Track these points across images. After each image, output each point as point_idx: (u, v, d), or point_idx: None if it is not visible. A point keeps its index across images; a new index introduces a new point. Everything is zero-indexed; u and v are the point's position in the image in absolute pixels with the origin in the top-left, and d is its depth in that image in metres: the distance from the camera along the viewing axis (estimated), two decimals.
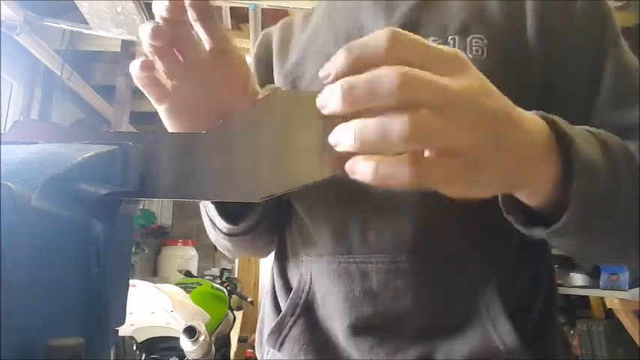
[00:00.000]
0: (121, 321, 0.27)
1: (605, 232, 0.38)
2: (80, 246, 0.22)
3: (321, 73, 0.27)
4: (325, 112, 0.27)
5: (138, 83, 0.41)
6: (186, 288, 2.79)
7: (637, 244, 0.39)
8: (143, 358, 2.28)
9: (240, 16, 3.36)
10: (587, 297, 2.76)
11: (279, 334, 0.55)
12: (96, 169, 0.25)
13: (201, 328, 2.12)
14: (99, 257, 0.23)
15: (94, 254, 0.23)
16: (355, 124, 0.26)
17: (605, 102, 0.47)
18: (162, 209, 4.66)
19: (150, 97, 0.42)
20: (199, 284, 2.99)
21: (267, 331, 0.57)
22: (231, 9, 3.21)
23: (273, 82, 0.63)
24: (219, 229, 0.56)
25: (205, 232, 0.63)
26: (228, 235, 0.56)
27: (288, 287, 0.59)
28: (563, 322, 3.02)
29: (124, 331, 2.14)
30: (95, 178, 0.24)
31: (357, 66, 0.26)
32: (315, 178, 0.29)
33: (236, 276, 4.25)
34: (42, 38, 2.83)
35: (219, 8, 3.21)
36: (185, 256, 4.54)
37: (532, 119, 0.32)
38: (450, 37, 0.51)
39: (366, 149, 0.26)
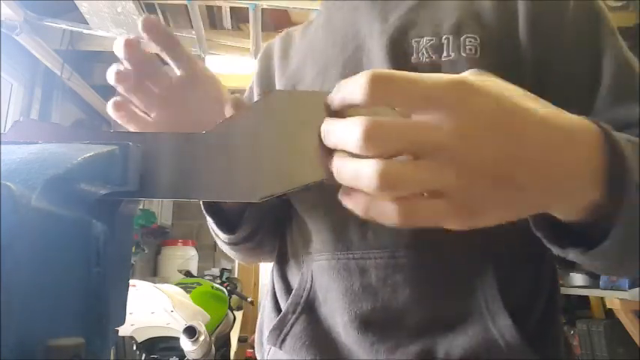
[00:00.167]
0: (121, 321, 0.27)
1: None
2: (80, 246, 0.22)
3: (327, 101, 0.28)
4: None
5: (118, 121, 0.44)
6: (186, 288, 2.79)
7: None
8: (143, 358, 2.28)
9: (240, 16, 3.36)
10: (587, 297, 2.76)
11: (280, 331, 0.55)
12: (96, 169, 0.25)
13: (201, 328, 2.12)
14: (99, 257, 0.23)
15: (94, 254, 0.23)
16: (335, 161, 0.27)
17: (605, 99, 0.47)
18: (162, 209, 4.66)
19: (134, 129, 0.45)
20: (199, 284, 2.99)
21: (267, 331, 0.57)
22: (231, 9, 3.21)
23: None
24: (221, 240, 0.60)
25: (205, 232, 0.66)
26: (230, 244, 0.60)
27: (288, 289, 0.59)
28: (563, 322, 3.01)
29: (124, 331, 2.14)
30: (95, 178, 0.24)
31: (343, 105, 0.27)
32: (315, 178, 0.29)
33: (236, 276, 4.25)
34: (42, 38, 2.83)
35: (219, 8, 3.21)
36: (185, 256, 4.54)
37: (571, 134, 0.29)
38: (444, 37, 0.51)
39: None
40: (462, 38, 0.50)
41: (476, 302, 0.48)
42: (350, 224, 0.51)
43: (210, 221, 0.59)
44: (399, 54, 0.53)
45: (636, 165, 0.31)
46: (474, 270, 0.48)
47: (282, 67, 0.66)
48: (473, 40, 0.50)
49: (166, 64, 0.45)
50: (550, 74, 0.49)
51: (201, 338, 2.09)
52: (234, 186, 0.29)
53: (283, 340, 0.55)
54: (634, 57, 0.49)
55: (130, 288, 0.30)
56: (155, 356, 2.31)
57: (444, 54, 0.50)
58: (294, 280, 0.58)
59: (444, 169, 0.25)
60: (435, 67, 0.50)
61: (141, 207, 4.15)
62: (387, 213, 0.26)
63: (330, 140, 0.27)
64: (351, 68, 0.55)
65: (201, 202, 0.57)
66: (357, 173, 0.25)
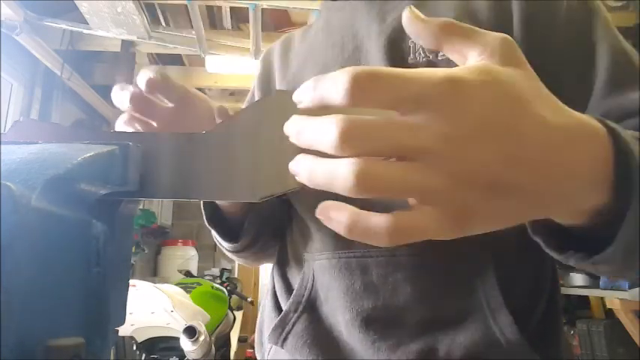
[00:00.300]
0: (121, 321, 0.27)
1: None
2: (80, 246, 0.22)
3: (294, 98, 0.26)
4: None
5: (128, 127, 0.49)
6: (186, 288, 2.79)
7: None
8: (143, 358, 2.28)
9: (240, 16, 3.36)
10: (587, 297, 2.76)
11: (282, 330, 0.55)
12: (96, 169, 0.25)
13: (201, 328, 2.12)
14: (99, 257, 0.23)
15: (94, 254, 0.23)
16: (306, 161, 0.24)
17: (601, 90, 0.46)
18: (162, 209, 4.66)
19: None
20: (199, 284, 2.99)
21: (267, 331, 0.57)
22: (231, 9, 3.22)
23: None
24: (225, 248, 0.62)
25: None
26: (233, 252, 0.62)
27: (289, 288, 0.60)
28: (564, 322, 3.01)
29: (124, 331, 2.14)
30: (95, 178, 0.24)
31: (319, 104, 0.24)
32: None
33: (236, 276, 4.26)
34: (42, 38, 2.83)
35: (219, 8, 3.21)
36: (185, 256, 4.54)
37: (580, 136, 0.27)
38: None
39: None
40: None
41: (476, 300, 0.48)
42: None
43: (215, 234, 0.60)
44: (397, 54, 0.53)
45: None
46: (475, 268, 0.49)
47: (282, 70, 0.67)
48: None
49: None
50: (543, 72, 0.49)
51: (201, 338, 2.09)
52: (234, 186, 0.29)
53: (285, 339, 0.55)
54: (632, 48, 0.49)
55: (130, 288, 0.30)
56: (155, 356, 2.31)
57: (440, 53, 0.51)
58: (295, 279, 0.58)
59: (430, 174, 0.23)
60: (432, 67, 0.50)
61: (141, 207, 4.15)
62: (376, 230, 0.23)
63: (301, 140, 0.24)
64: None
65: (203, 214, 0.59)
66: (332, 174, 0.23)
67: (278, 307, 0.60)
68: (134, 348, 2.25)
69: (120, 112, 0.50)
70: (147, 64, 3.74)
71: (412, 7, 0.27)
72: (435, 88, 0.23)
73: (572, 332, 2.73)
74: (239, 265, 4.44)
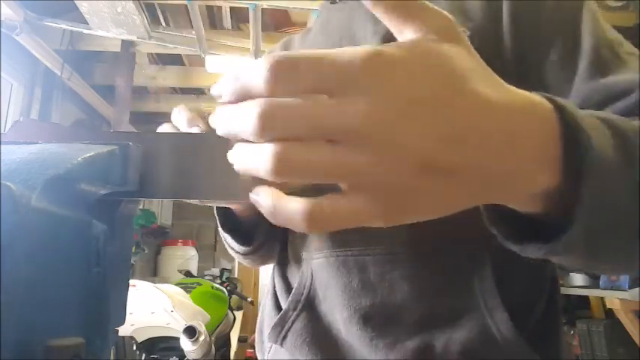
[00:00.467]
0: (121, 321, 0.27)
1: (622, 249, 0.31)
2: (80, 246, 0.22)
3: (212, 92, 0.24)
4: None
5: None
6: (186, 288, 2.79)
7: None
8: (143, 358, 2.28)
9: (240, 16, 3.36)
10: (587, 297, 2.76)
11: (281, 328, 0.56)
12: (96, 169, 0.25)
13: (201, 328, 2.12)
14: (99, 257, 0.23)
15: (94, 254, 0.23)
16: (238, 148, 0.23)
17: (586, 72, 0.46)
18: (162, 209, 4.66)
19: None
20: (199, 284, 2.99)
21: (267, 330, 0.57)
22: (231, 9, 3.22)
23: None
24: (235, 251, 0.63)
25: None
26: (244, 254, 0.62)
27: (288, 288, 0.60)
28: (563, 322, 3.01)
29: (124, 331, 2.14)
30: (95, 178, 0.24)
31: (242, 95, 0.23)
32: None
33: (236, 276, 4.26)
34: (42, 38, 2.83)
35: (219, 8, 3.21)
36: (185, 256, 4.54)
37: (523, 113, 0.25)
38: None
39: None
40: None
41: (473, 298, 0.48)
42: None
43: (226, 237, 0.61)
44: None
45: (603, 144, 0.27)
46: (472, 266, 0.49)
47: None
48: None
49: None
50: (529, 62, 0.50)
51: (201, 338, 2.09)
52: (234, 186, 0.29)
53: (284, 338, 0.55)
54: (619, 37, 0.48)
55: (130, 288, 0.30)
56: (155, 356, 2.31)
57: None
58: (294, 279, 0.59)
59: (354, 156, 0.21)
60: None
61: (141, 207, 4.15)
62: (291, 215, 0.22)
63: (227, 129, 0.23)
64: None
65: (217, 219, 0.60)
66: (255, 159, 0.22)
67: (278, 307, 0.60)
68: (134, 348, 2.25)
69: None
70: (147, 64, 3.74)
71: None
72: (357, 65, 0.21)
73: (572, 332, 2.73)
74: (239, 265, 4.44)
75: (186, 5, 2.62)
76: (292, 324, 0.55)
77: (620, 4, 2.77)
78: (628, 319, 2.23)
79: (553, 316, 0.51)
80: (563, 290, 2.69)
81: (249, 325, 3.89)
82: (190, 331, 2.06)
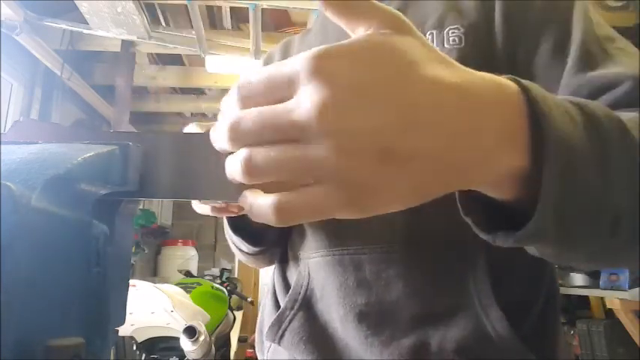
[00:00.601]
0: (121, 321, 0.27)
1: (594, 236, 0.30)
2: (80, 246, 0.22)
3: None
4: None
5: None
6: (186, 288, 2.79)
7: (637, 248, 0.31)
8: (143, 358, 2.28)
9: (240, 16, 3.36)
10: (587, 297, 2.76)
11: (279, 327, 0.56)
12: (96, 169, 0.25)
13: (201, 328, 2.12)
14: (99, 257, 0.23)
15: (94, 254, 0.23)
16: (228, 159, 0.26)
17: (575, 66, 0.46)
18: (162, 209, 4.66)
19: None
20: (199, 284, 2.99)
21: (267, 329, 0.58)
22: (231, 9, 3.22)
23: None
24: (245, 252, 0.63)
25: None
26: (252, 254, 0.63)
27: (287, 287, 0.60)
28: (564, 322, 3.02)
29: (124, 331, 2.14)
30: (95, 178, 0.24)
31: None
32: None
33: (236, 276, 4.25)
34: (42, 38, 2.83)
35: (219, 8, 3.21)
36: (185, 256, 4.54)
37: (485, 94, 0.25)
38: (428, 33, 0.53)
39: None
40: (444, 31, 0.52)
41: (468, 296, 0.48)
42: (344, 221, 0.52)
43: (235, 238, 0.60)
44: None
45: (570, 126, 0.27)
46: (467, 265, 0.49)
47: None
48: (456, 31, 0.52)
49: None
50: (520, 58, 0.50)
51: (201, 338, 2.09)
52: (234, 186, 0.29)
53: (282, 336, 0.56)
54: (611, 32, 0.48)
55: (130, 288, 0.30)
56: (155, 356, 2.31)
57: None
58: (293, 278, 0.59)
59: (311, 150, 0.22)
60: None
61: (141, 207, 4.15)
62: (263, 210, 0.24)
63: (217, 147, 0.26)
64: None
65: (225, 223, 0.61)
66: (231, 167, 0.24)
67: (277, 306, 0.61)
68: (134, 348, 2.25)
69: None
70: (147, 64, 3.74)
71: None
72: (302, 65, 0.22)
73: (572, 332, 2.73)
74: (239, 265, 4.44)
75: (186, 5, 2.62)
76: (289, 323, 0.55)
77: (620, 4, 2.77)
78: (628, 319, 2.23)
79: (551, 316, 0.51)
80: (563, 290, 2.69)
81: (249, 325, 3.89)
82: (190, 331, 2.06)
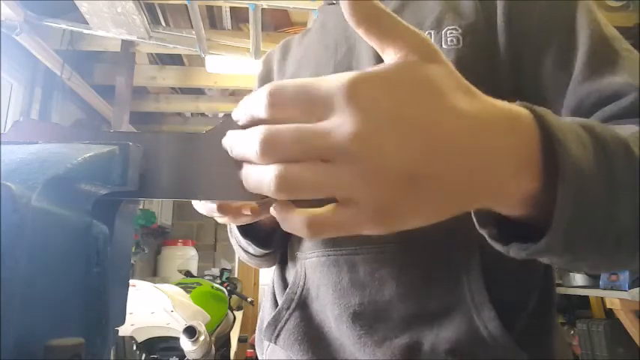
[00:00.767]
0: (121, 321, 0.27)
1: (599, 251, 0.32)
2: (80, 246, 0.22)
3: (233, 117, 0.28)
4: None
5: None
6: (186, 288, 2.79)
7: (637, 259, 0.34)
8: (143, 358, 2.28)
9: (240, 16, 3.36)
10: (587, 297, 2.77)
11: (275, 326, 0.57)
12: (96, 169, 0.25)
13: (201, 328, 2.12)
14: (99, 257, 0.23)
15: (94, 254, 0.23)
16: (246, 169, 0.27)
17: (582, 74, 0.46)
18: (162, 209, 4.66)
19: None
20: (199, 284, 2.99)
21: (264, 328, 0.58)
22: (231, 9, 3.22)
23: None
24: (252, 254, 0.63)
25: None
26: (258, 256, 0.63)
27: (286, 287, 0.61)
28: (563, 322, 3.02)
29: (124, 331, 2.14)
30: (95, 178, 0.24)
31: (251, 121, 0.27)
32: None
33: (236, 276, 4.26)
34: (42, 38, 2.83)
35: (219, 8, 3.21)
36: (185, 256, 4.54)
37: (503, 124, 0.27)
38: (426, 33, 0.53)
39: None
40: (443, 31, 0.52)
41: (461, 296, 0.48)
42: None
43: (243, 241, 0.60)
44: None
45: (581, 151, 0.28)
46: (461, 264, 0.49)
47: (280, 73, 0.69)
48: (454, 31, 0.52)
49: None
50: (524, 61, 0.50)
51: (201, 338, 2.09)
52: (234, 186, 0.29)
53: (278, 336, 0.56)
54: (616, 34, 0.48)
55: (130, 288, 0.30)
56: (155, 356, 2.32)
57: None
58: (291, 278, 0.60)
59: (341, 173, 0.24)
60: None
61: (141, 207, 4.15)
62: (297, 225, 0.26)
63: (234, 153, 0.27)
64: (341, 71, 0.56)
65: (233, 225, 0.61)
66: (260, 179, 0.25)
67: (276, 306, 0.61)
68: (134, 348, 2.25)
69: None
70: (147, 64, 3.74)
71: None
72: (340, 89, 0.24)
73: (572, 332, 2.73)
74: (239, 265, 4.44)
75: (186, 5, 2.62)
76: (285, 322, 0.56)
77: (620, 4, 2.77)
78: (628, 319, 2.23)
79: (545, 316, 0.51)
80: (563, 290, 2.69)
81: (249, 325, 3.89)
82: (190, 331, 2.07)
